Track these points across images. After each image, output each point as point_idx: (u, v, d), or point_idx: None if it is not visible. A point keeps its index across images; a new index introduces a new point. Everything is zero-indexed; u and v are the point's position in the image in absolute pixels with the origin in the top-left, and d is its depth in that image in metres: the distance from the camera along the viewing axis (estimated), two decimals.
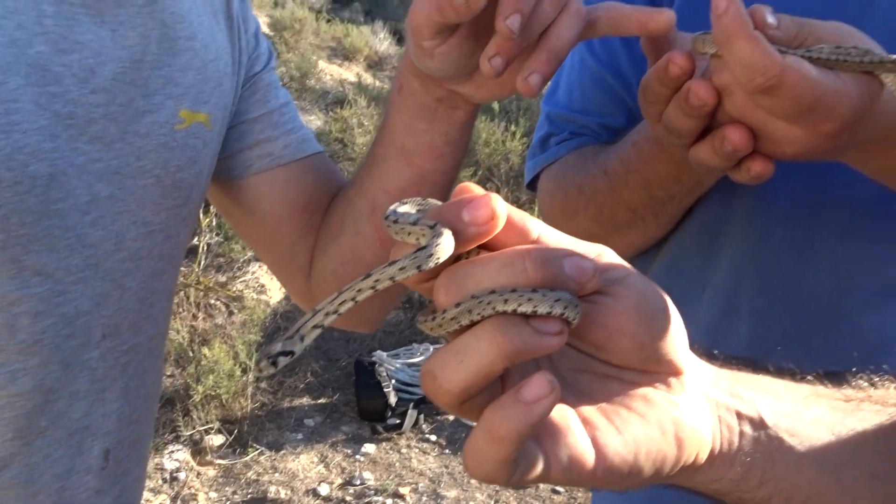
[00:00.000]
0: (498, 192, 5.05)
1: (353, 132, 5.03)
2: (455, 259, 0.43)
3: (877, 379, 0.52)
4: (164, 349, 0.90)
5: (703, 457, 0.46)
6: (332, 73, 9.62)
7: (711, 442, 0.46)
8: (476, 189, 0.43)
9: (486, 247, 0.43)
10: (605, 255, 0.46)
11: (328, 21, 12.03)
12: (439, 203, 0.45)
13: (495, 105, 6.11)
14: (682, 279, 0.99)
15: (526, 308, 0.40)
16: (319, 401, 4.01)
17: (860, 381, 0.51)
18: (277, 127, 0.94)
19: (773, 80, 0.59)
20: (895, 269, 0.87)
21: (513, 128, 5.38)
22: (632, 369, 0.45)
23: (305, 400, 4.00)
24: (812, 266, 0.89)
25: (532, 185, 1.10)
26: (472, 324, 0.41)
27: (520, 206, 1.19)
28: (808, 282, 0.90)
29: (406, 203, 0.46)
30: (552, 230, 0.45)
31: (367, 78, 9.69)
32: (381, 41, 11.53)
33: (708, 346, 0.95)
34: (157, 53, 0.80)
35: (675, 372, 0.46)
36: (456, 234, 0.41)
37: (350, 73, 10.08)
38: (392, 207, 0.46)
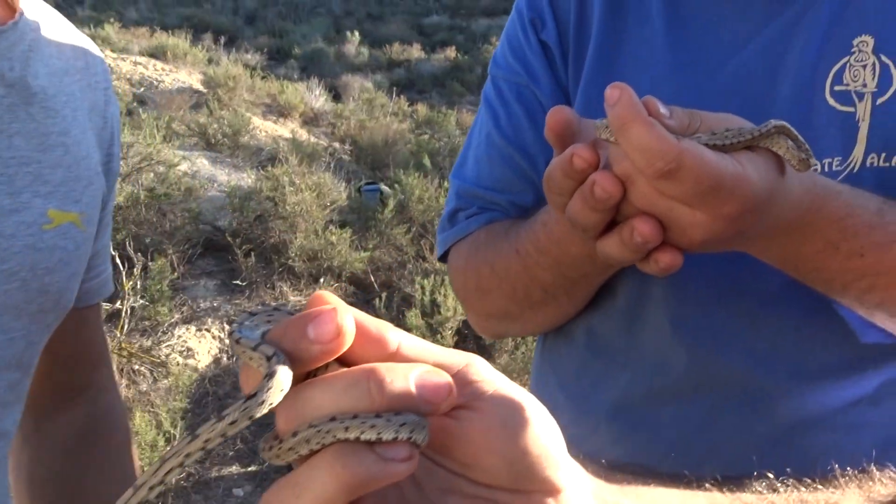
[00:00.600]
0: (432, 248, 5.04)
1: (284, 190, 4.97)
2: (306, 376, 0.39)
3: (778, 484, 0.48)
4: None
5: None
6: (267, 129, 9.58)
7: None
8: (330, 299, 0.40)
9: (343, 360, 0.40)
10: (473, 365, 0.42)
11: (263, 78, 12.04)
12: (289, 312, 0.42)
13: (427, 161, 6.14)
14: (604, 357, 0.97)
15: (369, 435, 0.36)
16: (249, 468, 3.85)
17: (760, 487, 0.47)
18: (90, 270, 0.90)
19: (673, 164, 0.59)
20: (808, 355, 0.87)
21: (446, 184, 5.39)
22: (504, 489, 0.41)
23: (234, 468, 3.84)
24: (727, 351, 0.88)
25: (444, 257, 1.07)
26: (313, 453, 0.37)
27: None
28: (725, 367, 0.88)
29: (256, 314, 0.42)
30: (415, 340, 0.41)
31: (303, 134, 9.68)
32: (316, 98, 11.57)
33: (627, 429, 0.95)
34: (26, 149, 0.74)
35: (552, 490, 0.41)
36: (301, 353, 0.38)
37: (285, 129, 10.06)
38: (240, 319, 0.42)
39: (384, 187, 6.21)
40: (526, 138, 0.99)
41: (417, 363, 0.39)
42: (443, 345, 3.70)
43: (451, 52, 20.63)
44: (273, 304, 0.44)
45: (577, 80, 0.96)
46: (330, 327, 0.37)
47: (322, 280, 4.90)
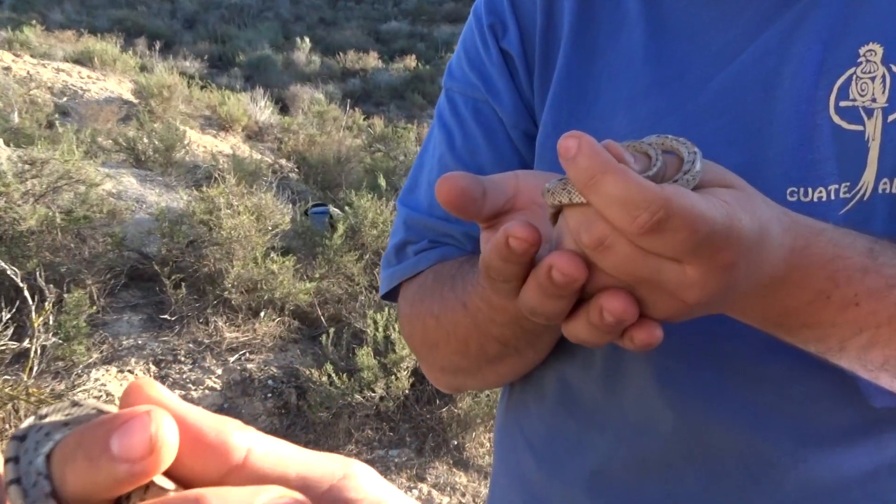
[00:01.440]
0: None
1: (220, 213, 4.85)
2: (115, 501, 0.32)
3: None
4: None
5: None
6: (206, 144, 9.46)
7: None
8: (149, 391, 0.32)
9: (171, 475, 0.32)
10: (352, 477, 0.35)
11: (202, 87, 11.94)
12: (96, 409, 0.34)
13: (383, 181, 6.07)
14: (580, 416, 0.92)
15: None
16: None
17: None
18: None
19: (661, 213, 0.54)
20: (817, 416, 0.81)
21: None
22: None
23: None
24: (721, 412, 0.82)
25: (389, 295, 1.02)
26: None
27: None
28: (719, 431, 0.82)
29: (46, 416, 0.33)
30: (271, 444, 0.34)
31: (245, 150, 9.57)
32: (261, 110, 11.50)
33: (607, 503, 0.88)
34: None
35: None
36: (101, 476, 0.30)
37: (226, 144, 9.94)
38: (21, 431, 0.32)
39: (334, 209, 6.14)
40: (483, 162, 0.95)
41: (266, 486, 0.32)
42: (398, 387, 3.55)
43: (410, 62, 20.74)
44: (73, 398, 0.35)
45: (544, 95, 0.92)
46: (140, 439, 0.30)
47: (262, 314, 4.78)
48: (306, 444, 4.13)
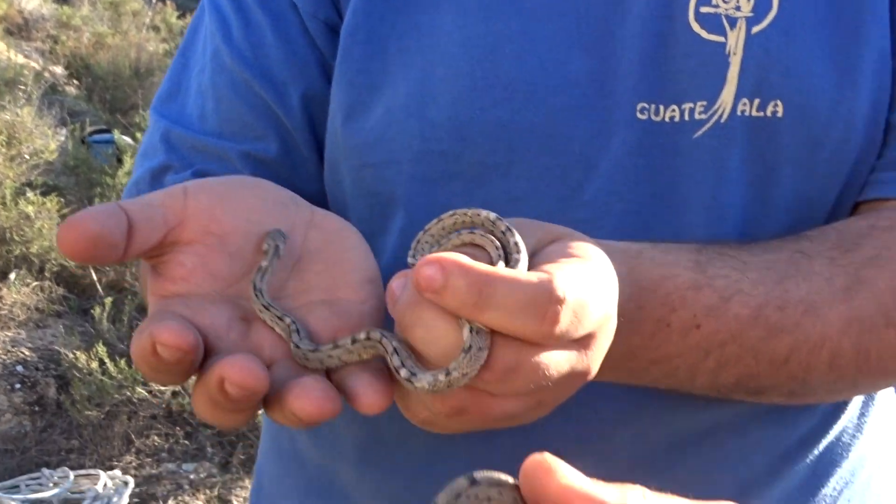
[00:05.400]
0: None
1: None
2: None
3: None
4: None
5: None
6: None
7: None
8: (558, 478, 0.41)
9: None
10: None
11: None
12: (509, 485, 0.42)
13: None
14: None
15: None
16: None
17: None
18: None
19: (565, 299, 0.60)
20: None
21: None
22: None
23: None
24: None
25: None
26: None
27: None
28: None
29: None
30: None
31: (2, 49, 9.28)
32: None
33: None
34: None
35: None
36: None
37: None
38: None
39: (121, 138, 6.02)
40: (271, 58, 0.99)
41: None
42: None
43: None
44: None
45: None
46: None
47: (13, 276, 4.70)
48: (68, 453, 4.09)
